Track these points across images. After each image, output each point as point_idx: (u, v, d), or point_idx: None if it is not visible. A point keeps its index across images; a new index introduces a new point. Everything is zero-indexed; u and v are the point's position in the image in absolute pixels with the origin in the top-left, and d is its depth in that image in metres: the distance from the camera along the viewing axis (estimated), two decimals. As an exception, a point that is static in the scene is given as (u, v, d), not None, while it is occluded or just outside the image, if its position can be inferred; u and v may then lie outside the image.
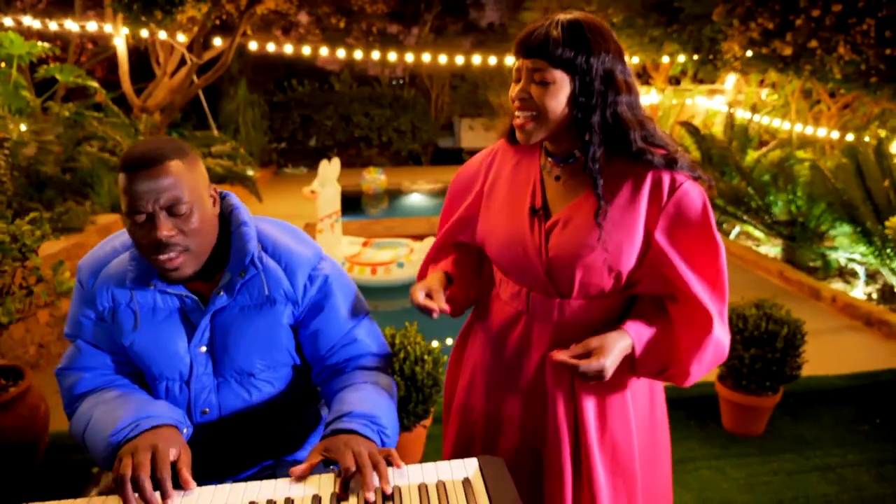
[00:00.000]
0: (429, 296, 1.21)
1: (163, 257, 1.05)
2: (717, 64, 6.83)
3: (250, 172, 7.01)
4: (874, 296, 4.48)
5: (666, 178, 1.10)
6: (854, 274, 4.83)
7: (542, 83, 1.07)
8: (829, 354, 3.20)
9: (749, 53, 6.02)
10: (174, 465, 0.99)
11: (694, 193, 1.10)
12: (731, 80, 8.53)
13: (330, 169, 5.07)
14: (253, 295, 1.16)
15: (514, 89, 1.12)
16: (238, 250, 1.14)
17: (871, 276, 4.71)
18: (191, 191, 1.06)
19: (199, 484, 1.00)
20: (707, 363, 1.12)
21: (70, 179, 5.70)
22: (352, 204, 8.08)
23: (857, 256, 4.68)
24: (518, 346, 1.26)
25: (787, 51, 5.57)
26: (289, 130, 10.72)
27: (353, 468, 0.97)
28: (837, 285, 4.64)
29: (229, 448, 1.23)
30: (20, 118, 5.13)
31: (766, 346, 2.30)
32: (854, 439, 2.45)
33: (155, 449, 0.97)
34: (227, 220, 1.19)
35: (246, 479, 1.08)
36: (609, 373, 1.09)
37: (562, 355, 1.09)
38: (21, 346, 3.23)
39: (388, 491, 0.95)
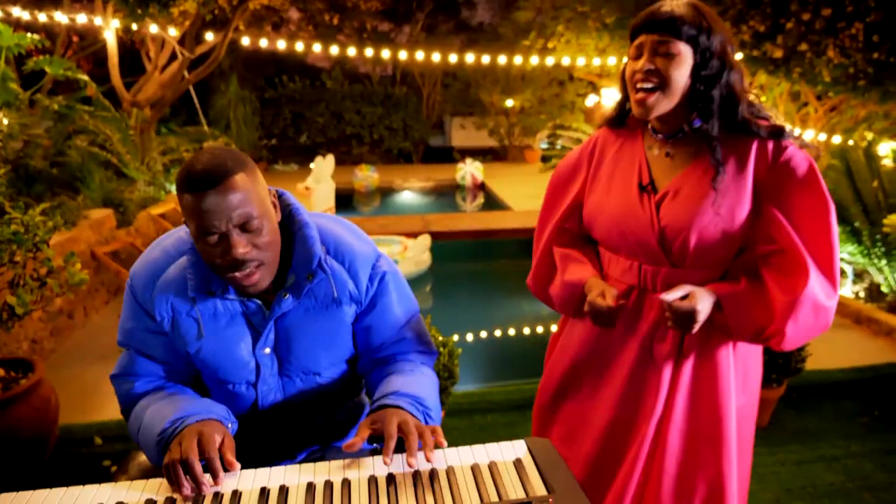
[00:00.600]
0: (601, 296, 1.25)
1: (240, 275, 1.03)
2: (708, 65, 6.91)
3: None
4: (861, 294, 4.58)
5: (771, 145, 1.17)
6: (842, 273, 4.93)
7: (668, 55, 1.15)
8: (823, 351, 3.26)
9: (740, 56, 6.11)
10: (219, 449, 0.99)
11: (800, 157, 1.17)
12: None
13: (325, 166, 5.07)
14: (319, 297, 1.15)
15: (639, 63, 1.18)
16: (302, 253, 1.12)
17: (859, 275, 4.82)
18: (259, 203, 1.03)
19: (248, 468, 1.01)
20: (806, 324, 1.14)
21: (59, 174, 5.61)
22: (343, 201, 8.06)
23: (845, 256, 4.78)
24: (629, 318, 1.31)
25: (778, 53, 5.67)
26: (279, 127, 10.67)
27: (396, 435, 0.99)
28: (827, 283, 4.73)
29: (283, 434, 1.24)
30: (8, 111, 5.04)
31: (772, 339, 2.35)
32: (856, 431, 2.51)
33: (201, 434, 0.98)
34: (286, 220, 1.16)
35: (299, 462, 1.09)
36: (701, 316, 1.14)
37: (666, 295, 1.15)
38: (15, 341, 3.18)
39: (432, 459, 0.97)
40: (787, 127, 1.19)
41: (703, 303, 1.15)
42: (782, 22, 5.61)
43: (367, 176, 8.93)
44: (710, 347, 1.26)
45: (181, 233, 1.18)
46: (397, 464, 0.99)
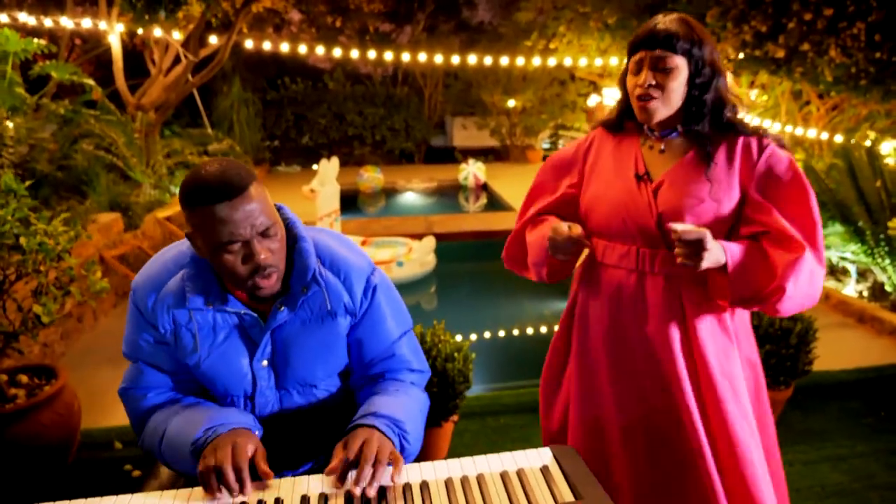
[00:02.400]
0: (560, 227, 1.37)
1: (262, 280, 1.07)
2: (710, 66, 6.93)
3: (246, 171, 6.97)
4: (865, 293, 4.62)
5: (755, 142, 1.32)
6: (846, 272, 4.96)
7: (665, 69, 1.29)
8: (826, 351, 3.29)
9: (742, 55, 6.14)
10: (252, 460, 1.03)
11: (780, 153, 1.32)
12: (720, 81, 8.66)
13: (329, 168, 5.08)
14: (314, 309, 1.17)
15: (641, 77, 1.32)
16: (299, 266, 1.15)
17: (862, 275, 4.85)
18: (271, 211, 1.08)
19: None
20: (803, 288, 1.24)
21: (65, 177, 5.64)
22: (347, 203, 8.09)
23: (848, 255, 4.81)
24: (633, 301, 1.40)
25: (780, 53, 5.70)
26: (282, 129, 10.69)
27: (352, 457, 1.00)
28: (829, 283, 4.76)
29: (282, 446, 1.26)
30: (14, 116, 5.07)
31: (780, 342, 2.39)
32: (861, 431, 2.55)
33: (234, 444, 1.01)
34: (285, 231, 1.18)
35: (304, 473, 1.14)
36: (707, 249, 1.19)
37: (677, 225, 1.23)
38: (26, 345, 3.22)
39: (357, 493, 0.97)
40: (768, 133, 1.33)
41: (712, 240, 1.22)
42: (784, 22, 5.63)
43: (372, 177, 8.95)
44: (712, 318, 1.36)
45: (182, 247, 1.20)
46: (429, 471, 1.03)
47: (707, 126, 1.33)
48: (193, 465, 1.05)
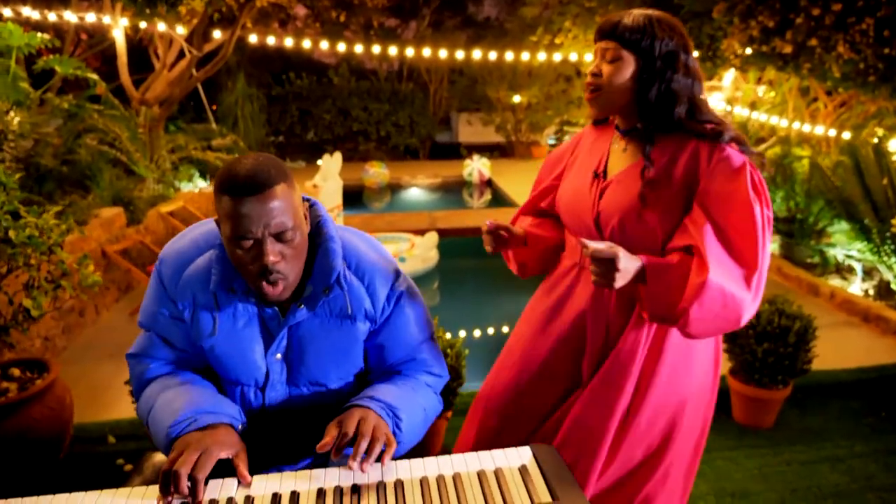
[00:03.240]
0: (501, 231, 1.43)
1: (267, 286, 1.06)
2: (716, 61, 6.88)
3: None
4: (871, 292, 4.57)
5: (708, 147, 1.25)
6: (851, 270, 4.91)
7: (612, 61, 1.27)
8: (830, 349, 3.26)
9: (749, 51, 6.07)
10: (232, 461, 1.02)
11: (734, 160, 1.22)
12: (728, 76, 8.60)
13: (332, 163, 5.08)
14: (334, 311, 1.16)
15: (591, 66, 1.31)
16: (323, 266, 1.13)
17: (868, 273, 4.80)
18: (295, 215, 1.05)
19: (258, 471, 1.03)
20: (711, 312, 1.17)
21: (69, 172, 5.66)
22: (350, 198, 8.08)
23: (854, 253, 4.76)
24: (565, 292, 1.43)
25: (787, 49, 5.63)
26: (287, 124, 10.69)
27: (351, 433, 1.01)
28: (835, 282, 4.71)
29: (286, 440, 1.26)
30: (18, 110, 5.09)
31: (778, 340, 2.36)
32: (861, 431, 2.52)
33: (205, 450, 0.99)
34: (313, 231, 1.17)
35: (305, 468, 1.11)
36: (620, 270, 1.16)
37: (588, 241, 1.19)
38: (27, 339, 3.23)
39: (364, 471, 0.98)
40: (730, 131, 1.24)
41: (626, 258, 1.18)
42: (791, 17, 5.56)
43: (378, 172, 8.93)
44: (639, 327, 1.32)
45: (212, 225, 1.19)
46: (404, 469, 1.02)
47: (651, 124, 1.28)
48: (167, 450, 1.05)
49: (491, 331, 4.24)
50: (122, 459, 2.24)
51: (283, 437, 1.24)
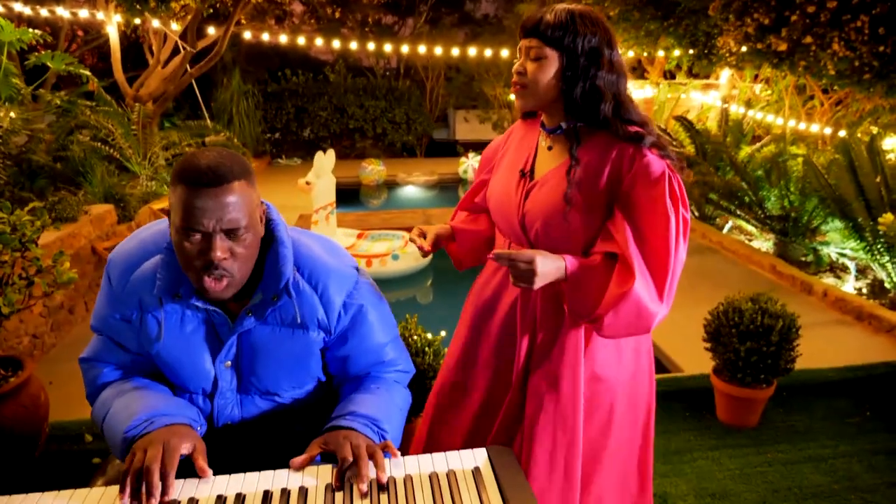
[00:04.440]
0: (423, 237, 1.47)
1: (209, 279, 1.03)
2: (712, 59, 6.85)
3: (244, 163, 6.96)
4: (864, 290, 4.54)
5: (631, 150, 1.22)
6: (845, 269, 4.88)
7: (536, 59, 1.25)
8: (822, 348, 3.25)
9: (744, 48, 6.04)
10: (190, 457, 1.00)
11: (654, 167, 1.20)
12: (725, 74, 8.57)
13: (325, 160, 5.06)
14: (285, 319, 1.14)
15: (516, 65, 1.29)
16: (273, 272, 1.10)
17: (861, 271, 4.77)
18: (249, 214, 1.03)
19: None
20: (626, 320, 1.19)
21: (62, 168, 5.65)
22: (347, 195, 8.06)
23: (848, 251, 4.74)
24: (496, 291, 1.44)
25: (782, 46, 5.60)
26: (282, 121, 10.65)
27: (350, 459, 0.99)
28: (829, 280, 4.69)
29: (246, 449, 1.24)
30: (10, 106, 5.07)
31: (761, 339, 2.33)
32: (845, 431, 2.50)
33: (166, 443, 0.98)
34: (266, 234, 1.14)
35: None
36: (538, 273, 1.18)
37: (498, 250, 1.23)
38: (15, 336, 3.22)
39: (384, 480, 0.97)
40: (653, 135, 1.22)
41: (544, 260, 1.19)
42: (787, 14, 5.53)
43: (375, 170, 8.90)
44: (563, 323, 1.32)
45: (162, 226, 1.17)
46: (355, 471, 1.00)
47: (576, 123, 1.26)
48: (123, 454, 1.03)
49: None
50: (98, 458, 2.22)
51: (235, 447, 1.21)
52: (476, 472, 0.99)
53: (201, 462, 0.99)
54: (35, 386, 2.15)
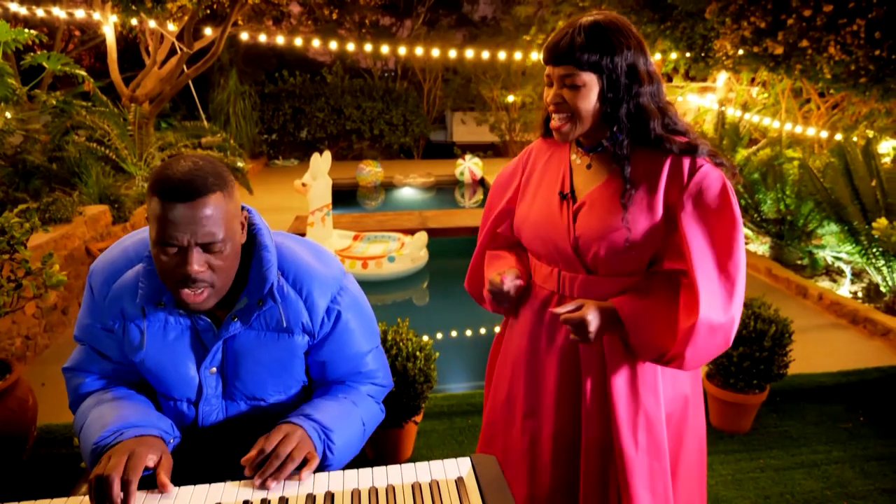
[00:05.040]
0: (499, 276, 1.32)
1: (187, 291, 1.02)
2: (709, 62, 6.85)
3: (240, 164, 6.95)
4: (860, 294, 4.54)
5: (686, 162, 1.17)
6: (840, 272, 4.88)
7: (574, 87, 1.16)
8: (816, 352, 3.24)
9: (741, 52, 6.05)
10: (154, 470, 0.99)
11: (713, 176, 1.17)
12: (722, 77, 8.57)
13: (321, 162, 5.05)
14: (270, 324, 1.13)
15: (549, 94, 1.22)
16: (257, 277, 1.10)
17: (857, 275, 4.77)
18: (227, 226, 1.01)
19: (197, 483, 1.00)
20: (705, 346, 1.14)
21: (57, 169, 5.63)
22: (343, 197, 8.04)
23: (843, 255, 4.73)
24: (552, 324, 1.33)
25: (779, 50, 5.61)
26: (279, 122, 10.64)
27: (268, 451, 1.00)
28: (824, 283, 4.69)
29: (225, 455, 1.22)
30: (6, 106, 5.06)
31: (754, 344, 2.33)
32: (838, 436, 2.49)
33: (132, 454, 0.97)
34: (248, 240, 1.13)
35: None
36: (592, 326, 1.16)
37: (556, 309, 1.19)
38: (7, 337, 3.20)
39: (256, 484, 0.97)
40: (703, 143, 1.18)
41: (593, 313, 1.16)
42: (783, 18, 5.54)
43: (373, 171, 8.89)
44: (630, 356, 1.27)
45: (144, 234, 1.16)
46: (336, 481, 0.99)
47: (625, 144, 1.19)
48: (93, 465, 1.02)
49: (483, 331, 4.20)
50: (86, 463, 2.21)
51: (220, 452, 1.20)
52: (459, 483, 0.98)
53: (163, 477, 0.98)
54: (23, 389, 2.13)
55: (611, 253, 1.20)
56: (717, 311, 1.12)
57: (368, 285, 4.88)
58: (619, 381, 1.25)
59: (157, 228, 0.98)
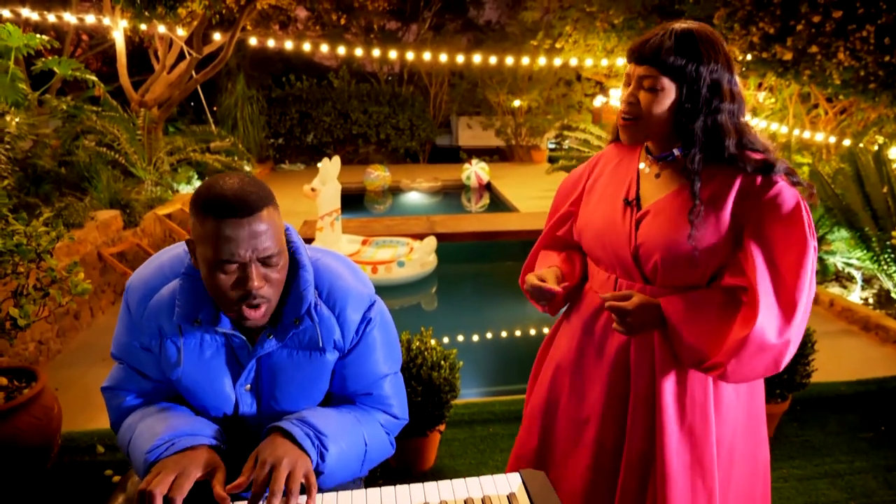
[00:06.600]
0: (542, 280, 1.30)
1: (248, 310, 1.02)
2: (717, 67, 6.85)
3: (248, 168, 6.98)
4: (871, 300, 4.54)
5: (759, 180, 1.14)
6: (851, 278, 4.88)
7: (651, 90, 1.15)
8: (828, 359, 3.23)
9: (749, 57, 6.05)
10: (209, 483, 0.99)
11: (787, 194, 1.14)
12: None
13: (331, 167, 5.06)
14: (303, 342, 1.12)
15: (624, 93, 1.19)
16: (295, 296, 1.09)
17: (868, 281, 4.77)
18: (279, 239, 1.02)
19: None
20: (748, 364, 1.11)
21: (67, 174, 5.64)
22: (350, 201, 8.06)
23: (854, 261, 4.73)
24: (604, 331, 1.32)
25: (788, 55, 5.62)
26: (286, 126, 10.67)
27: (259, 482, 0.94)
28: (834, 290, 4.69)
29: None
30: (16, 111, 5.07)
31: (776, 353, 2.32)
32: (860, 446, 2.48)
33: (182, 470, 0.97)
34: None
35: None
36: (633, 318, 1.16)
37: (605, 294, 1.18)
38: (21, 342, 3.21)
39: None
40: (780, 162, 1.15)
41: (637, 306, 1.16)
42: (792, 24, 5.55)
43: (381, 175, 8.90)
44: (682, 370, 1.24)
45: (179, 250, 1.16)
46: (388, 497, 0.99)
47: (696, 159, 1.15)
48: (145, 476, 1.02)
49: (489, 336, 4.21)
50: (111, 470, 2.21)
51: (254, 438, 1.19)
52: (511, 498, 0.98)
53: (219, 489, 0.97)
54: (48, 398, 2.14)
55: (670, 265, 1.18)
56: (773, 330, 1.10)
57: (378, 290, 4.86)
58: (668, 395, 1.24)
59: (215, 247, 0.98)
